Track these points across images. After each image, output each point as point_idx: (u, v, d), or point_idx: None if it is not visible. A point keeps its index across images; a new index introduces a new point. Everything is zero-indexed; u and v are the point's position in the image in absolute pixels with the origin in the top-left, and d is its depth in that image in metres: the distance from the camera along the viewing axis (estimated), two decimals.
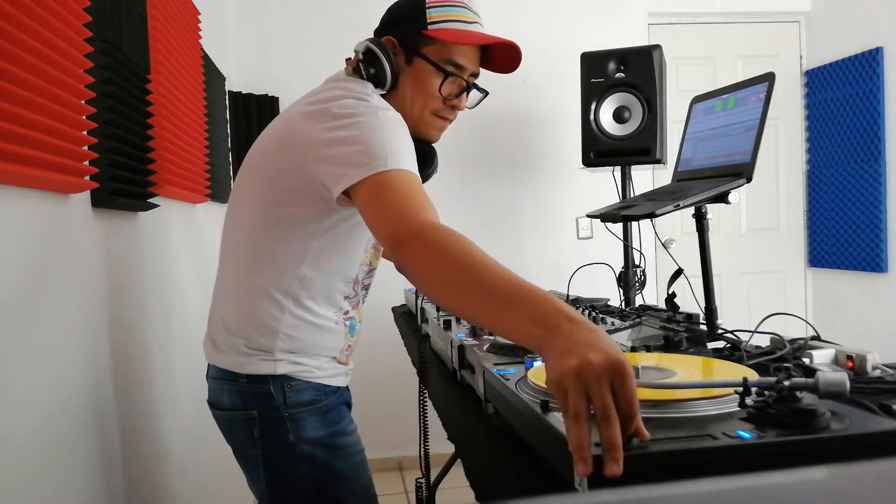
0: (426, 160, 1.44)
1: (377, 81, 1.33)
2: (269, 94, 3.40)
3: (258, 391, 1.31)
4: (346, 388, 1.44)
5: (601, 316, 1.56)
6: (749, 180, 1.46)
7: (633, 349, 1.21)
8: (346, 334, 1.39)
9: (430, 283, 0.99)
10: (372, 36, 1.38)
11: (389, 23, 1.38)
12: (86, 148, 1.28)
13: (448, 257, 0.96)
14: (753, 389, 0.80)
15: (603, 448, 0.67)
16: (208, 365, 1.40)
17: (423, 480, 1.96)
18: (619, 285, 2.95)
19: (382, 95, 1.32)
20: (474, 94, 1.43)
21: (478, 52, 1.38)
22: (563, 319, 0.79)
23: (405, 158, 1.14)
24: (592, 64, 3.02)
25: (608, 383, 0.69)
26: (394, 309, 2.53)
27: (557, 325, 0.78)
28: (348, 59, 1.37)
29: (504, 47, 1.37)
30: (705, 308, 1.57)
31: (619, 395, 0.69)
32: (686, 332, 1.30)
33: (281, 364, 1.30)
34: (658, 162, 2.98)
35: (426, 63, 1.34)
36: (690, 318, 1.48)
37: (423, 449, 1.72)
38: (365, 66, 1.32)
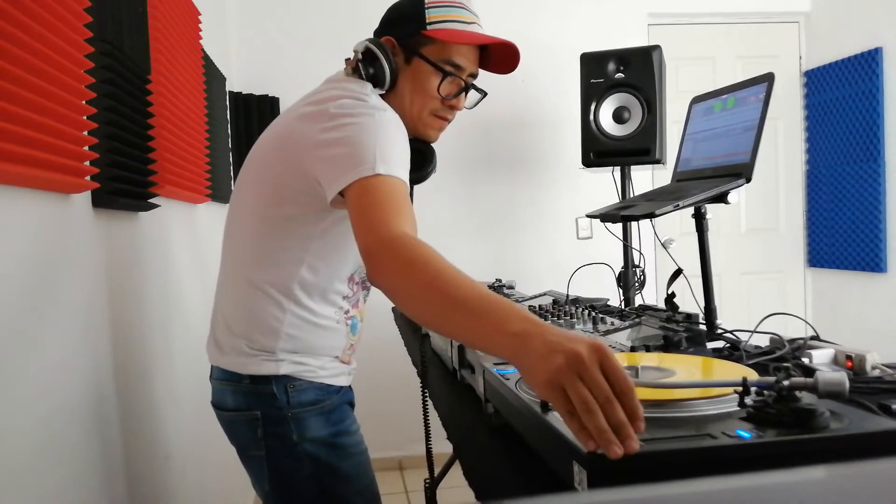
0: (424, 159, 1.45)
1: (376, 81, 1.33)
2: (270, 95, 3.40)
3: (261, 391, 1.31)
4: (349, 387, 1.45)
5: (601, 316, 1.56)
6: (748, 180, 1.47)
7: (632, 349, 1.22)
8: (347, 333, 1.39)
9: (400, 297, 1.00)
10: (371, 36, 1.39)
11: (389, 23, 1.39)
12: (86, 148, 1.28)
13: (415, 271, 0.96)
14: (753, 389, 0.80)
15: (614, 430, 0.67)
16: (212, 366, 1.40)
17: (429, 481, 1.95)
18: (619, 285, 2.95)
19: (381, 95, 1.32)
20: (473, 95, 1.43)
21: (477, 52, 1.38)
22: (531, 325, 0.80)
23: (395, 163, 1.14)
24: (592, 64, 3.03)
25: (598, 368, 0.71)
26: (394, 309, 2.53)
27: (527, 332, 0.79)
28: (347, 60, 1.37)
29: (503, 48, 1.37)
30: (705, 308, 1.57)
31: (611, 376, 0.70)
32: (685, 332, 1.30)
33: (283, 364, 1.30)
34: (657, 162, 2.98)
35: (425, 63, 1.34)
36: (690, 317, 1.48)
37: (427, 449, 1.72)
38: (364, 65, 1.33)
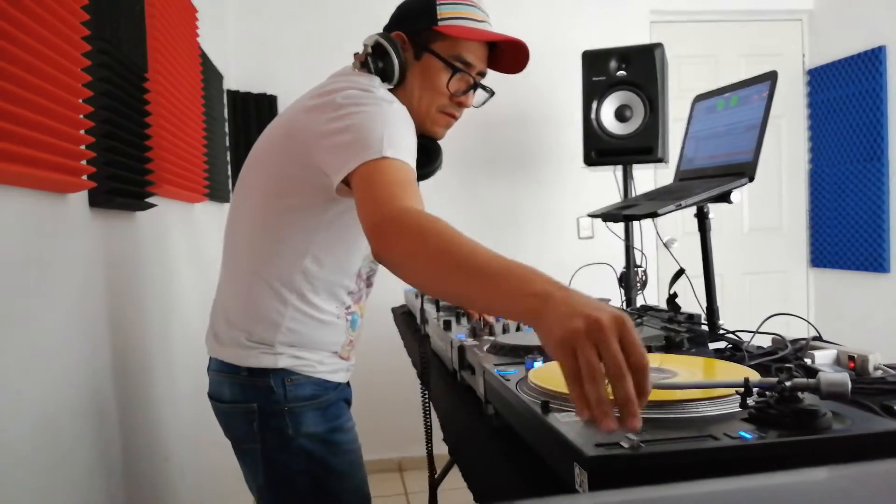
0: (430, 156, 1.44)
1: (385, 75, 1.33)
2: (268, 93, 3.40)
3: (259, 384, 1.31)
4: (347, 384, 1.45)
5: None
6: (751, 179, 1.46)
7: None
8: (347, 329, 1.39)
9: (412, 269, 0.98)
10: (379, 31, 1.39)
11: (399, 18, 1.39)
12: (83, 147, 1.27)
13: (429, 239, 0.95)
14: (755, 390, 0.80)
15: (619, 405, 0.67)
16: (210, 358, 1.40)
17: (435, 478, 1.94)
18: (621, 285, 2.94)
19: (389, 90, 1.32)
20: (480, 94, 1.43)
21: (486, 50, 1.38)
22: (554, 288, 0.79)
23: (402, 148, 1.14)
24: (594, 62, 3.02)
25: (616, 339, 0.70)
26: (394, 309, 2.53)
27: (550, 293, 0.78)
28: (356, 54, 1.37)
29: (512, 47, 1.37)
30: (707, 308, 1.56)
31: (628, 349, 0.70)
32: (687, 333, 1.30)
33: (282, 358, 1.30)
34: (660, 161, 2.97)
35: (435, 59, 1.34)
36: (692, 318, 1.47)
37: (427, 451, 1.71)
38: (373, 59, 1.33)
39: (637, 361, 0.70)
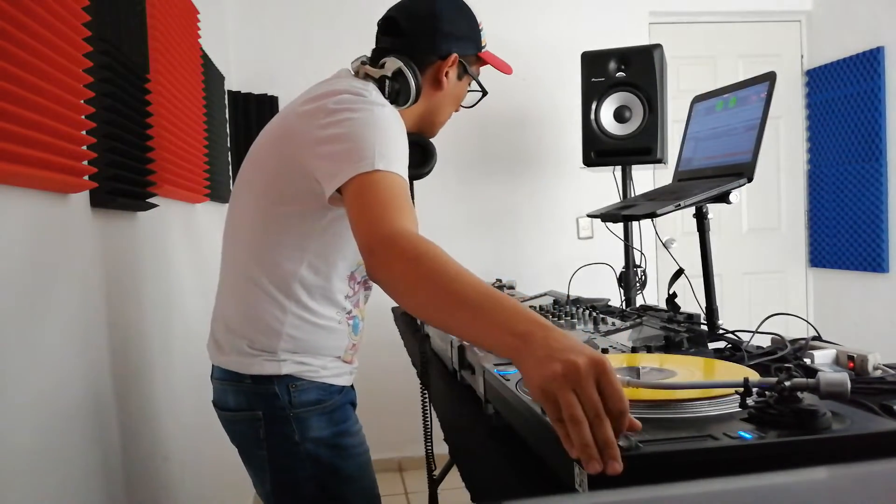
0: (426, 156, 1.49)
1: (398, 99, 1.34)
2: (269, 94, 3.40)
3: (263, 391, 1.30)
4: (351, 386, 1.44)
5: (602, 316, 1.55)
6: (750, 180, 1.46)
7: (633, 349, 1.21)
8: (349, 333, 1.38)
9: (403, 293, 0.99)
10: (386, 35, 1.41)
11: (449, 38, 1.39)
12: (84, 147, 1.27)
13: (420, 266, 0.95)
14: (754, 390, 0.80)
15: (599, 448, 0.67)
16: (213, 366, 1.40)
17: (434, 476, 1.93)
18: (620, 285, 2.95)
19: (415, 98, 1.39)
20: (471, 96, 1.53)
21: None
22: (536, 327, 0.79)
23: (394, 159, 1.14)
24: (593, 63, 3.02)
25: (594, 383, 0.70)
26: (394, 309, 2.53)
27: (531, 333, 0.78)
28: (363, 64, 1.36)
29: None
30: (706, 308, 1.57)
31: (606, 393, 0.70)
32: (687, 333, 1.30)
33: (285, 364, 1.29)
34: (659, 161, 2.97)
35: (471, 81, 1.47)
36: (691, 318, 1.47)
37: (426, 451, 1.71)
38: (391, 83, 1.33)
39: (614, 406, 0.69)
